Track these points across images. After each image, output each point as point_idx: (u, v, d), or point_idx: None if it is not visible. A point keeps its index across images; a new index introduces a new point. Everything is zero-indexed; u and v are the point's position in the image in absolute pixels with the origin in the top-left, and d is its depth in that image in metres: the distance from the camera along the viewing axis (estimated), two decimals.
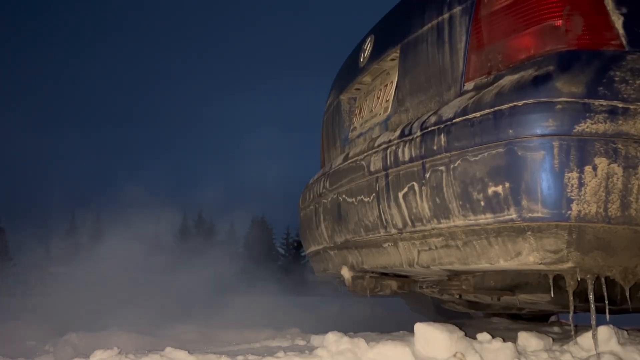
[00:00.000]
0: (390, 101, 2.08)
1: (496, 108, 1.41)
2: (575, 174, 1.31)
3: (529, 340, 1.91)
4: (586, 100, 1.32)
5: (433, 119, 1.63)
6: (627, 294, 1.46)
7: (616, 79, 1.34)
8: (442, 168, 1.53)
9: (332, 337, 1.85)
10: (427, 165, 1.59)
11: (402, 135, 1.75)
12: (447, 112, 1.58)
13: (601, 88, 1.33)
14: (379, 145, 1.87)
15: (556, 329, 2.71)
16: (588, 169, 1.31)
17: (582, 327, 2.07)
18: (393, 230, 1.78)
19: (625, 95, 1.33)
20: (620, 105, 1.32)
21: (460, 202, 1.48)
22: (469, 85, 1.62)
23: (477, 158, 1.42)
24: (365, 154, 1.95)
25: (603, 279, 1.41)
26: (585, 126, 1.31)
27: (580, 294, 1.48)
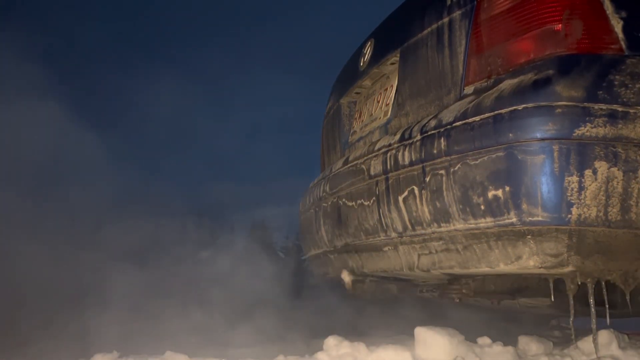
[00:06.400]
0: (390, 105, 2.08)
1: (496, 112, 1.41)
2: (575, 178, 1.31)
3: (529, 344, 1.91)
4: (586, 104, 1.32)
5: (433, 123, 1.63)
6: (628, 297, 1.46)
7: (616, 82, 1.34)
8: (442, 172, 1.53)
9: (332, 341, 1.85)
10: (427, 169, 1.59)
11: (402, 139, 1.75)
12: (447, 115, 1.58)
13: (601, 92, 1.33)
14: (379, 149, 1.87)
15: (556, 332, 2.71)
16: (588, 172, 1.31)
17: (582, 331, 2.06)
18: (393, 234, 1.78)
19: (625, 99, 1.33)
20: (620, 109, 1.32)
21: (461, 206, 1.48)
22: (469, 89, 1.63)
23: (477, 162, 1.43)
24: (366, 158, 1.95)
25: (603, 283, 1.41)
26: (585, 130, 1.31)
27: (581, 298, 1.48)
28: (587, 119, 1.32)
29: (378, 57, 2.20)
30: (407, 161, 1.68)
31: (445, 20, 1.74)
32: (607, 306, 1.46)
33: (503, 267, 1.45)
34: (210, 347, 2.20)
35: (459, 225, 1.50)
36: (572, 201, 1.31)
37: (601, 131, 1.31)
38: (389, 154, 1.79)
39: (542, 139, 1.32)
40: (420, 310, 2.73)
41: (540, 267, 1.38)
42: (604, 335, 1.80)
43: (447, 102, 1.70)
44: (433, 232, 1.60)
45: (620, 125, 1.32)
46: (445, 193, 1.52)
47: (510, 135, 1.36)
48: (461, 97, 1.64)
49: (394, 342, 1.99)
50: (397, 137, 1.79)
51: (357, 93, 2.50)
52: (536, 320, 3.02)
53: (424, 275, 1.86)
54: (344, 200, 2.09)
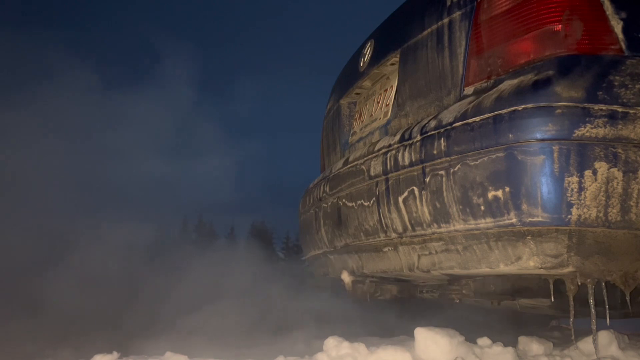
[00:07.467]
0: (390, 105, 2.08)
1: (496, 112, 1.41)
2: (575, 179, 1.31)
3: (529, 344, 1.91)
4: (586, 105, 1.33)
5: (433, 124, 1.63)
6: (628, 298, 1.46)
7: (616, 83, 1.34)
8: (442, 172, 1.53)
9: (332, 341, 1.85)
10: (427, 169, 1.59)
11: (402, 139, 1.75)
12: (447, 116, 1.58)
13: (601, 92, 1.34)
14: (379, 150, 1.87)
15: (556, 333, 2.71)
16: (588, 173, 1.31)
17: (582, 331, 2.06)
18: (393, 235, 1.78)
19: (624, 100, 1.33)
20: (620, 109, 1.32)
21: (461, 207, 1.48)
22: (469, 90, 1.63)
23: (477, 162, 1.43)
24: (365, 159, 1.95)
25: (603, 284, 1.41)
26: (585, 130, 1.31)
27: (581, 299, 1.48)
28: (587, 119, 1.32)
29: (378, 57, 2.20)
30: (407, 162, 1.68)
31: (445, 21, 1.74)
32: (607, 307, 1.46)
33: (503, 268, 1.45)
34: (210, 347, 2.20)
35: (459, 226, 1.50)
36: (572, 202, 1.31)
37: (601, 132, 1.31)
38: (389, 155, 1.79)
39: (542, 140, 1.32)
40: (420, 311, 2.74)
41: (540, 268, 1.38)
42: (604, 336, 1.81)
43: (447, 103, 1.70)
44: (433, 233, 1.60)
45: (620, 126, 1.32)
46: (445, 194, 1.52)
47: (510, 135, 1.36)
48: (461, 98, 1.64)
49: (394, 342, 1.99)
50: (397, 137, 1.80)
51: (357, 94, 2.51)
52: (536, 320, 3.02)
53: (424, 276, 1.86)
54: (344, 200, 2.09)
